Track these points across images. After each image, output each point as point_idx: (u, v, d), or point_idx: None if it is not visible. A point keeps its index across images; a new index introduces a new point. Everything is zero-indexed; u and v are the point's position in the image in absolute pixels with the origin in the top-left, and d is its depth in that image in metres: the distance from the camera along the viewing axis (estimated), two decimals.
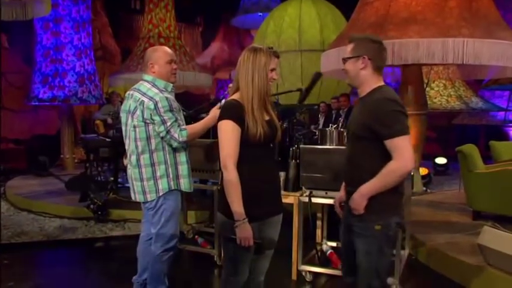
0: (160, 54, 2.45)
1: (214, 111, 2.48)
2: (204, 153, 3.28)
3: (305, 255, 3.21)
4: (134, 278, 2.70)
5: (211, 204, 3.84)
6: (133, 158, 2.44)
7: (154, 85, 2.43)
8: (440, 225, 4.06)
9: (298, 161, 2.97)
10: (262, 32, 8.52)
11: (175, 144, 2.40)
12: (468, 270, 3.05)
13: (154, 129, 2.37)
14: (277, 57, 1.88)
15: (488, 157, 5.02)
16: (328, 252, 3.40)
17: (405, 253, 3.44)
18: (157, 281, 2.52)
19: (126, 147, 2.50)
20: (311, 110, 7.15)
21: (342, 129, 2.86)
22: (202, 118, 2.58)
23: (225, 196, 1.80)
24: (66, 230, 4.39)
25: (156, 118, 2.34)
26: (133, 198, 2.52)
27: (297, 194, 2.99)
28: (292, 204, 3.00)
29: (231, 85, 1.94)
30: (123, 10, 11.36)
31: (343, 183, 2.04)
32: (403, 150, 1.73)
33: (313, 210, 3.46)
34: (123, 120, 2.50)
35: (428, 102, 6.67)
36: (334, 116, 6.72)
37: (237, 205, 1.76)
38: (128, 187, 2.59)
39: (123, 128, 2.51)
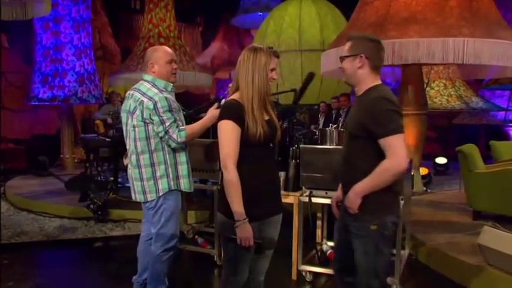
0: (161, 54, 2.45)
1: (212, 112, 2.49)
2: (204, 153, 3.28)
3: (305, 255, 3.21)
4: (134, 278, 2.70)
5: (211, 204, 3.84)
6: (134, 158, 2.44)
7: (154, 85, 2.42)
8: (441, 225, 4.06)
9: (298, 160, 2.97)
10: (262, 31, 8.52)
11: (173, 145, 2.39)
12: (468, 270, 3.05)
13: (153, 129, 2.37)
14: (277, 57, 1.88)
15: (488, 157, 5.02)
16: (328, 252, 3.40)
17: (405, 253, 3.44)
18: (157, 280, 2.51)
19: (127, 147, 2.50)
20: (311, 110, 7.15)
21: (342, 129, 2.85)
22: (202, 118, 2.58)
23: (225, 196, 1.80)
24: (66, 230, 4.39)
25: (155, 118, 2.34)
26: (133, 198, 2.52)
27: (297, 194, 2.99)
28: (292, 204, 3.00)
29: (231, 85, 1.94)
30: (123, 10, 11.35)
31: (340, 183, 2.05)
32: (397, 149, 1.73)
33: (313, 210, 3.46)
34: (123, 120, 2.50)
35: (429, 102, 6.67)
36: (334, 115, 6.71)
37: (237, 205, 1.76)
38: (128, 187, 2.59)
39: (124, 128, 2.51)
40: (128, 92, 2.50)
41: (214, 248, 3.49)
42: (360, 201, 1.81)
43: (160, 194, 2.42)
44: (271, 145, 1.93)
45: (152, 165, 2.41)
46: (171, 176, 2.43)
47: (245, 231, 1.76)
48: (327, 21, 8.04)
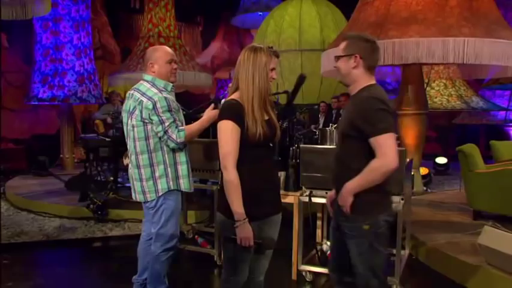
0: (161, 54, 2.45)
1: (209, 112, 2.50)
2: (204, 152, 3.28)
3: (305, 255, 3.21)
4: (134, 277, 2.69)
5: (211, 204, 3.84)
6: (133, 158, 2.45)
7: (153, 85, 2.42)
8: (441, 225, 4.06)
9: (298, 160, 2.97)
10: (262, 31, 8.51)
11: (172, 145, 2.39)
12: (468, 270, 3.05)
13: (152, 129, 2.37)
14: (277, 56, 1.87)
15: (488, 157, 5.02)
16: (328, 252, 3.40)
17: (405, 253, 3.44)
18: (157, 280, 2.51)
19: (128, 147, 2.50)
20: (311, 109, 7.14)
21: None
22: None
23: (225, 196, 1.80)
24: (65, 230, 4.39)
25: (154, 118, 2.33)
26: (134, 198, 2.53)
27: (297, 193, 2.99)
28: (292, 204, 2.99)
29: (230, 85, 1.93)
30: (123, 9, 11.34)
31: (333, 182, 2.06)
32: (386, 149, 1.74)
33: (313, 210, 3.46)
34: (124, 120, 2.50)
35: (429, 101, 6.67)
36: (334, 115, 6.70)
37: (237, 205, 1.76)
38: (128, 187, 2.59)
39: (124, 128, 2.51)
40: (128, 92, 2.50)
41: (214, 248, 3.49)
42: (351, 199, 1.82)
43: (160, 194, 2.42)
44: (271, 145, 1.93)
45: (151, 165, 2.40)
46: (170, 176, 2.43)
47: (245, 231, 1.76)
48: (327, 21, 8.04)
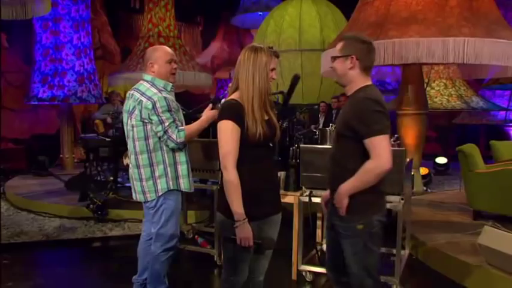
0: (160, 54, 2.45)
1: (208, 112, 2.50)
2: (204, 152, 3.27)
3: (305, 255, 3.21)
4: (134, 277, 2.69)
5: (211, 204, 3.83)
6: (133, 157, 2.45)
7: (153, 85, 2.42)
8: (441, 225, 4.06)
9: (298, 160, 2.97)
10: (262, 31, 8.51)
11: (172, 145, 2.39)
12: (468, 270, 3.05)
13: (152, 129, 2.37)
14: (277, 56, 1.87)
15: (488, 157, 5.02)
16: None
17: (405, 253, 3.43)
18: (157, 280, 2.51)
19: (128, 147, 2.50)
20: (311, 109, 7.14)
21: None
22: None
23: (225, 196, 1.80)
24: (65, 230, 4.39)
25: (154, 118, 2.33)
26: (134, 198, 2.53)
27: (297, 193, 2.99)
28: (292, 204, 2.99)
29: (230, 85, 1.93)
30: (123, 9, 11.33)
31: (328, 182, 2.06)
32: (380, 150, 1.75)
33: (313, 210, 3.45)
34: (124, 120, 2.51)
35: (429, 101, 6.67)
36: (334, 115, 6.70)
37: (236, 205, 1.76)
38: (128, 187, 2.60)
39: (125, 128, 2.51)
40: (129, 92, 2.51)
41: (214, 248, 3.49)
42: (347, 201, 1.83)
43: (160, 193, 2.42)
44: (271, 145, 1.93)
45: (151, 165, 2.40)
46: (170, 175, 2.43)
47: (245, 232, 1.76)
48: (327, 21, 8.03)
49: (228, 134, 1.77)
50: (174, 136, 2.36)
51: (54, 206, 5.03)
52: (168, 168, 2.43)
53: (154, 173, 2.41)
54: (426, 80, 6.21)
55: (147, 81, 2.44)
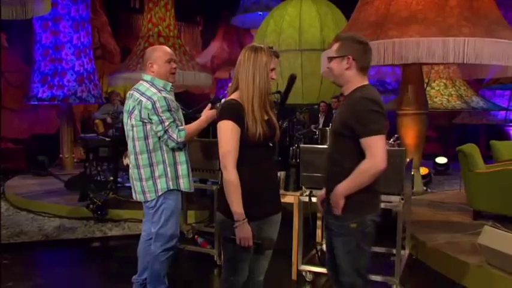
0: (160, 54, 2.45)
1: (207, 112, 2.50)
2: (203, 152, 3.27)
3: (305, 255, 3.20)
4: (134, 277, 2.69)
5: (211, 204, 3.83)
6: (132, 157, 2.45)
7: (152, 84, 2.42)
8: (441, 225, 4.06)
9: (298, 160, 2.96)
10: (262, 31, 8.50)
11: (172, 145, 2.39)
12: (468, 270, 3.04)
13: (152, 128, 2.36)
14: (277, 56, 1.87)
15: (488, 157, 5.01)
16: None
17: (405, 253, 3.43)
18: (157, 280, 2.51)
19: (128, 147, 2.50)
20: (311, 109, 7.14)
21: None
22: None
23: (225, 196, 1.79)
24: (65, 230, 4.39)
25: (154, 118, 2.33)
26: (134, 197, 2.53)
27: (297, 193, 2.99)
28: (292, 204, 2.99)
29: (230, 84, 1.93)
30: (123, 9, 11.33)
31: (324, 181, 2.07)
32: (376, 150, 1.76)
33: (313, 210, 3.45)
34: (124, 120, 2.51)
35: (429, 101, 6.66)
36: (334, 115, 6.70)
37: (236, 205, 1.76)
38: (128, 187, 2.60)
39: (125, 128, 2.51)
40: (129, 92, 2.51)
41: (214, 248, 3.49)
42: (343, 201, 1.84)
43: (160, 193, 2.42)
44: (271, 145, 1.93)
45: (151, 165, 2.40)
46: (169, 175, 2.43)
47: (244, 232, 1.76)
48: (327, 21, 8.03)
49: (228, 133, 1.77)
50: (174, 136, 2.36)
51: (54, 206, 5.03)
52: (168, 168, 2.43)
53: (154, 173, 2.41)
54: (426, 80, 6.21)
55: (146, 81, 2.44)
